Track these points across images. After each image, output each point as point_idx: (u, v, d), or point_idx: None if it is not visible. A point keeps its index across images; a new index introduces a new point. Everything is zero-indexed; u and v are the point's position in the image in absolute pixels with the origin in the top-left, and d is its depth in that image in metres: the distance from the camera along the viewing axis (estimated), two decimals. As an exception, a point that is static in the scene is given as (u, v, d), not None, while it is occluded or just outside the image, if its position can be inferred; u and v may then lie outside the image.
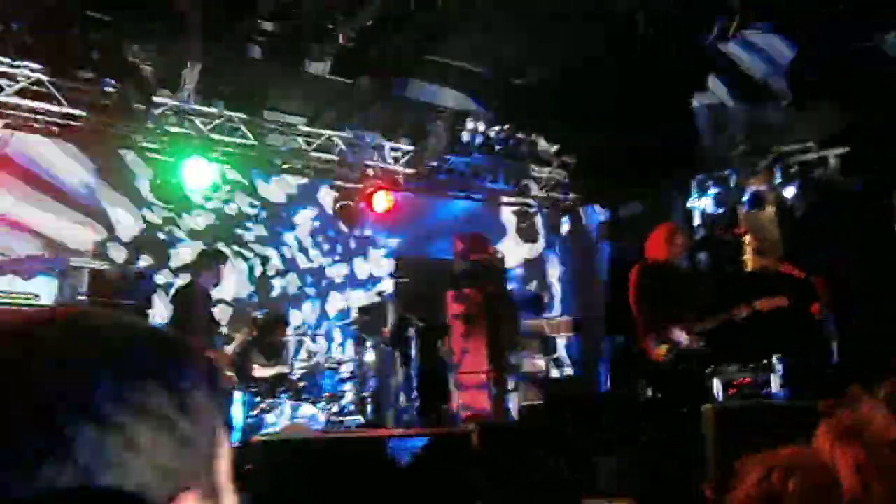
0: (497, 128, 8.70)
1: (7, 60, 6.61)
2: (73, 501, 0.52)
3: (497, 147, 8.88)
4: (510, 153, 9.18)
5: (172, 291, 6.21)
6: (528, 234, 10.48)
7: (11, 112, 6.76)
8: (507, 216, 10.40)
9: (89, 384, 0.55)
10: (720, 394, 7.48)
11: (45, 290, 5.82)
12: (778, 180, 8.49)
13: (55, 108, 6.87)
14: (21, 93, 6.74)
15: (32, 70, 6.72)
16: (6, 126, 6.69)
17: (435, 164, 8.67)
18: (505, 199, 10.14)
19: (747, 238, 8.86)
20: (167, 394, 0.58)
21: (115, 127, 7.19)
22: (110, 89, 6.95)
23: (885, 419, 0.59)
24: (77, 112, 6.97)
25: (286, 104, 8.28)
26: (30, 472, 0.51)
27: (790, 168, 8.41)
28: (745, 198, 8.67)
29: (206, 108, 7.68)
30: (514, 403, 8.21)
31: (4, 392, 0.53)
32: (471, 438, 4.53)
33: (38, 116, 6.91)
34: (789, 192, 8.36)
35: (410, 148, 8.79)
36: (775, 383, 7.02)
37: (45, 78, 6.76)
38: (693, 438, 5.25)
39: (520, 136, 9.04)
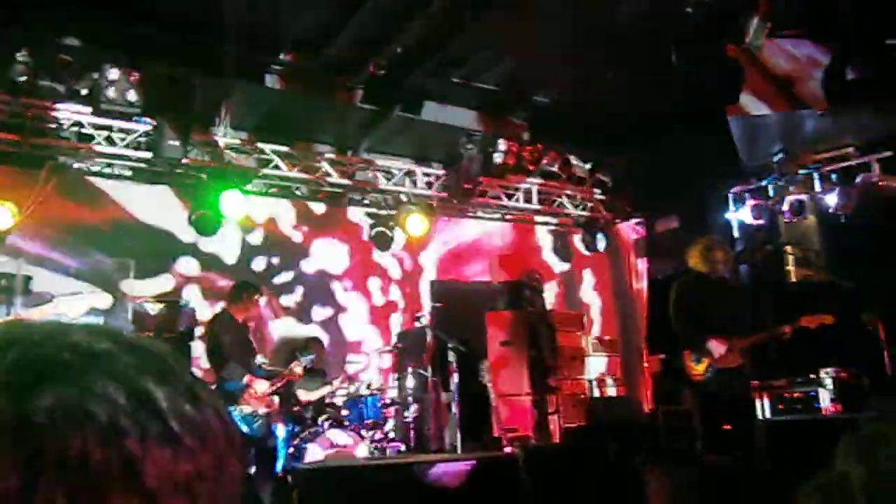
0: (530, 148, 8.70)
1: (47, 104, 6.81)
2: None
3: (530, 167, 8.87)
4: (543, 173, 9.15)
5: (208, 320, 6.28)
6: (564, 254, 10.42)
7: (57, 154, 6.96)
8: (543, 236, 10.35)
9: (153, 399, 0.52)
10: (769, 409, 7.31)
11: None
12: (818, 188, 8.33)
13: (98, 149, 7.07)
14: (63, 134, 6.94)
15: (74, 111, 6.92)
16: (53, 168, 6.88)
17: (469, 186, 8.68)
18: (540, 218, 10.10)
19: (789, 248, 8.69)
20: (218, 419, 0.54)
21: (153, 163, 7.35)
22: (149, 128, 7.13)
23: None
24: (119, 152, 7.15)
25: (319, 134, 8.40)
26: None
27: (830, 175, 8.25)
28: (785, 207, 8.52)
29: (240, 142, 7.82)
30: (556, 425, 8.12)
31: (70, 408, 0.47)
32: (517, 462, 4.48)
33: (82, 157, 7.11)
34: (830, 199, 8.20)
35: (443, 172, 8.84)
36: (825, 397, 6.84)
37: (85, 119, 6.95)
38: (741, 455, 5.12)
39: (553, 154, 9.01)
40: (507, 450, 6.75)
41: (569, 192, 9.78)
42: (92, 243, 7.25)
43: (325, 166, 8.28)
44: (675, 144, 8.09)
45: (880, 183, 7.65)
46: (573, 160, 9.33)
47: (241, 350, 5.93)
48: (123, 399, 0.47)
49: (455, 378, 7.22)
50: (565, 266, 10.42)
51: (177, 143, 6.90)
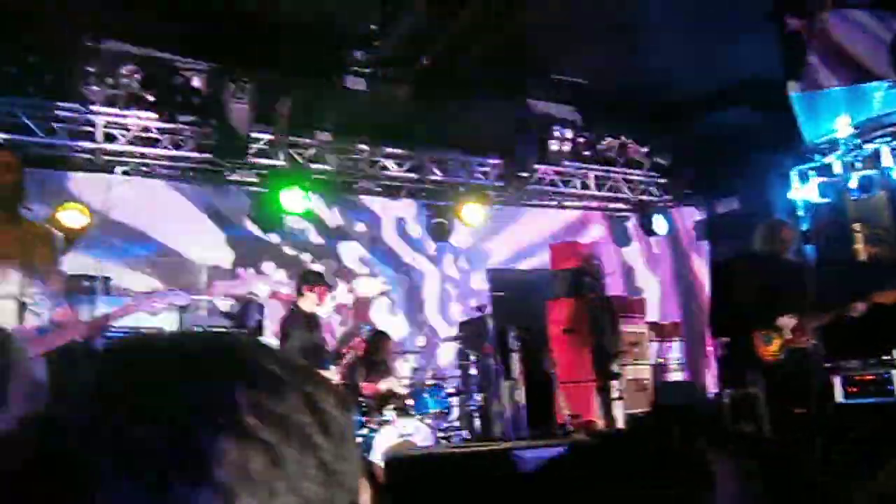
0: (585, 134, 8.63)
1: (116, 111, 7.07)
2: None
3: (586, 153, 8.81)
4: (599, 158, 9.08)
5: (282, 317, 6.44)
6: (622, 239, 10.32)
7: (127, 159, 7.24)
8: (601, 221, 10.28)
9: (228, 396, 0.50)
10: (840, 392, 7.12)
11: (167, 325, 6.19)
12: (886, 163, 8.05)
13: (163, 152, 7.32)
14: (131, 140, 7.21)
15: (140, 118, 7.17)
16: (123, 173, 7.17)
17: (524, 174, 8.68)
18: (596, 204, 10.03)
19: (857, 226, 8.44)
20: (308, 411, 0.52)
21: (217, 164, 7.57)
22: (210, 130, 7.35)
23: None
24: (183, 154, 7.39)
25: (372, 128, 8.48)
26: (162, 489, 0.46)
27: (900, 149, 7.97)
28: (852, 184, 8.26)
29: (298, 139, 7.97)
30: (620, 411, 8.10)
31: (137, 408, 0.49)
32: (597, 450, 4.47)
33: (149, 161, 7.38)
34: (901, 174, 7.91)
35: (498, 161, 8.85)
36: (901, 378, 6.63)
37: (152, 124, 7.20)
38: (813, 440, 5.04)
39: (608, 139, 8.93)
40: (574, 436, 6.76)
41: (625, 176, 9.67)
42: (162, 243, 7.53)
43: (382, 160, 8.38)
44: (733, 123, 7.94)
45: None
46: (629, 144, 9.24)
47: (310, 343, 6.07)
48: (198, 397, 0.49)
49: (518, 366, 7.27)
50: (624, 251, 10.33)
51: (239, 144, 7.11)
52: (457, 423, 7.40)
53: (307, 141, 8.02)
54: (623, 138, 9.06)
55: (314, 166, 8.02)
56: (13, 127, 6.65)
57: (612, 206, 10.12)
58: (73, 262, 5.48)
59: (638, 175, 9.73)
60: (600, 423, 7.83)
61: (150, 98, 6.91)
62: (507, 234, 9.48)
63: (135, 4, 5.87)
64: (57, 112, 6.83)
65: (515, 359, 7.31)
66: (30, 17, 5.84)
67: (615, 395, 8.17)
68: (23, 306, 3.28)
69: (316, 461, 0.50)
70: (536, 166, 8.71)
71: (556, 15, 6.52)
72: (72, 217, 6.66)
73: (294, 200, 7.61)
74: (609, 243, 10.24)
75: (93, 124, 6.99)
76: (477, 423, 7.40)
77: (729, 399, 7.60)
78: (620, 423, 7.85)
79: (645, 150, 9.31)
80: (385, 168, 8.42)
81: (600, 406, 8.03)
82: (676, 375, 9.61)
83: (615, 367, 8.28)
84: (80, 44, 6.38)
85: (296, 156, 7.94)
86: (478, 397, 7.45)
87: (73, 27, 6.20)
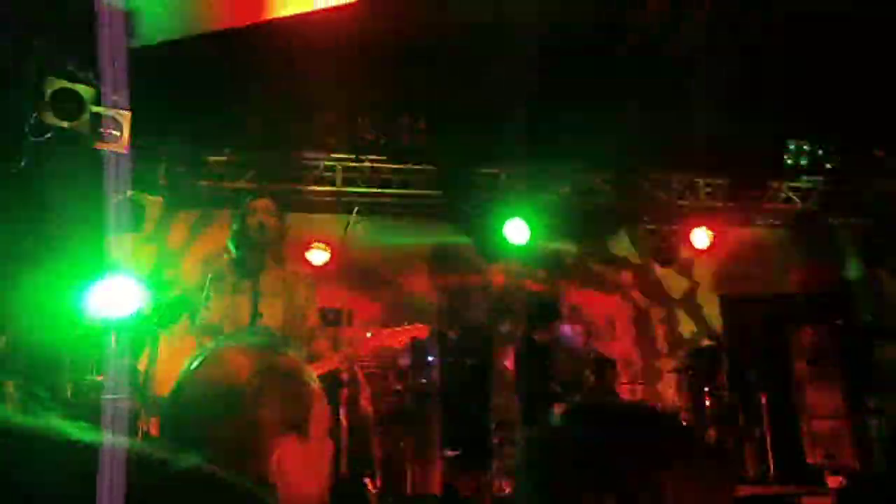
0: (826, 143, 7.89)
1: (352, 156, 7.70)
2: None
3: (828, 165, 8.04)
4: (845, 169, 8.25)
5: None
6: (874, 257, 9.25)
7: (363, 200, 7.83)
8: (846, 238, 9.29)
9: (652, 441, 0.81)
10: None
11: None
12: None
13: (394, 191, 7.83)
14: (366, 181, 7.80)
15: (371, 162, 7.73)
16: (359, 213, 7.77)
17: (756, 192, 8.12)
18: (843, 220, 9.08)
19: None
20: (683, 439, 0.86)
21: (441, 200, 7.93)
22: (432, 167, 7.76)
23: None
24: (412, 192, 7.87)
25: (590, 153, 8.37)
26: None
27: None
28: None
29: (515, 170, 8.10)
30: (881, 455, 7.22)
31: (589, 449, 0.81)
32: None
33: (382, 201, 7.92)
34: None
35: (726, 180, 8.36)
36: None
37: (383, 166, 7.74)
38: None
39: (854, 146, 8.10)
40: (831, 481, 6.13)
41: (879, 187, 8.66)
42: (393, 277, 8.02)
43: (600, 185, 8.28)
44: None
45: None
46: (879, 149, 8.30)
47: (544, 372, 6.11)
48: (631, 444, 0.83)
49: (758, 399, 6.75)
50: (879, 270, 9.24)
51: (462, 179, 7.40)
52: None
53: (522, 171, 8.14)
54: (874, 145, 8.16)
55: (533, 196, 8.10)
56: (268, 177, 7.48)
57: (858, 221, 9.11)
58: (320, 297, 5.97)
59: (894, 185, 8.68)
60: (858, 466, 7.03)
61: (381, 142, 7.42)
62: (739, 257, 8.87)
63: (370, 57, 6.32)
64: (303, 161, 7.58)
65: (754, 392, 6.80)
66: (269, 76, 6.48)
67: (875, 434, 7.30)
68: (285, 340, 3.62)
69: (694, 481, 0.78)
70: (770, 182, 8.12)
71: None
72: (317, 256, 7.30)
73: (517, 231, 7.74)
74: (858, 262, 9.22)
75: (333, 169, 7.66)
76: (714, 459, 6.95)
77: None
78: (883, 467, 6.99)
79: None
80: (604, 193, 8.29)
81: (858, 446, 7.22)
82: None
83: (873, 403, 7.42)
84: (318, 97, 7.00)
85: (516, 187, 8.08)
86: (713, 433, 7.01)
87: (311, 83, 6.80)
